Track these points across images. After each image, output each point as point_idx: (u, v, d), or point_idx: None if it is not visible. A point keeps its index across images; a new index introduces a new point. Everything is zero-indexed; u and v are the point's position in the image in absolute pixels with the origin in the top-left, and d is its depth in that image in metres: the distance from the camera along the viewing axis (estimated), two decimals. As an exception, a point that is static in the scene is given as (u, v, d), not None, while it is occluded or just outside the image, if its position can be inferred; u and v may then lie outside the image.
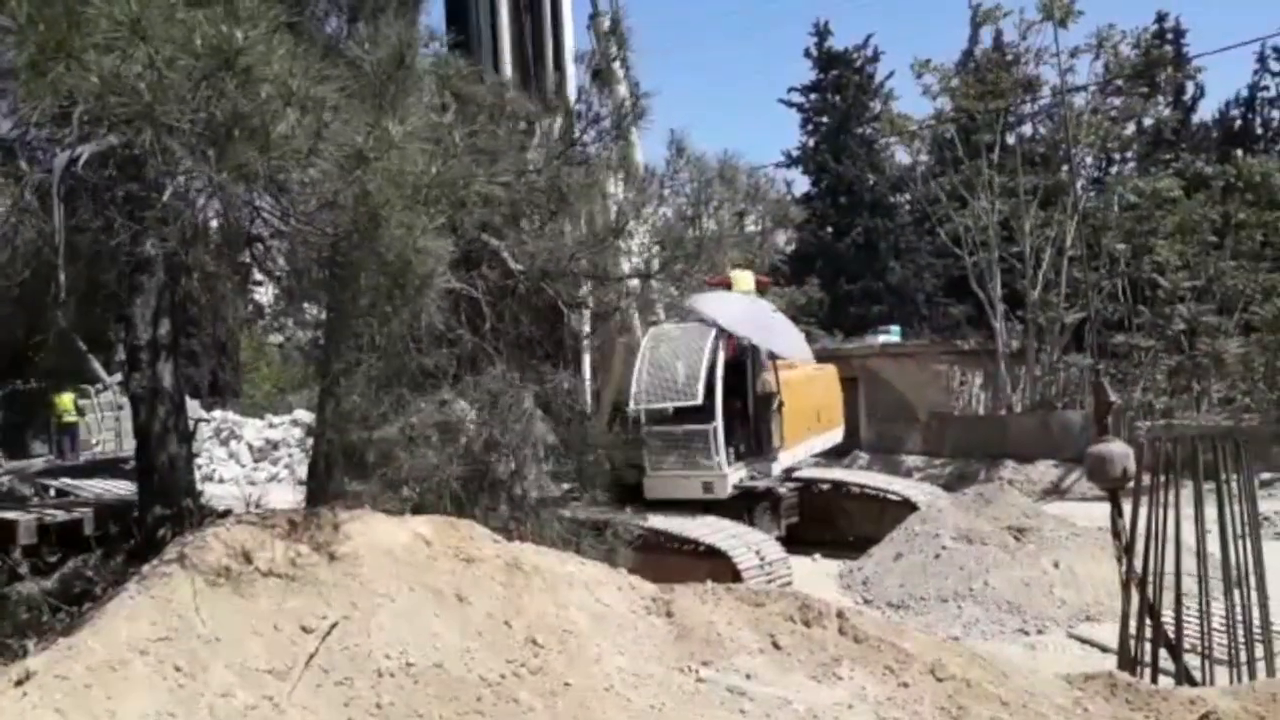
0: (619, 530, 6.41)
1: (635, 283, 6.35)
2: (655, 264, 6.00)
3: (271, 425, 27.53)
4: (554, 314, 6.52)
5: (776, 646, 4.55)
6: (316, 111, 4.19)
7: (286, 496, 9.71)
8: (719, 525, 11.61)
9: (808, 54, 38.35)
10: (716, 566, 10.51)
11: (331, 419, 5.95)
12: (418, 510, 5.63)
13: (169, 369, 7.08)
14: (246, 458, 26.48)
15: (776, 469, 13.97)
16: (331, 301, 5.81)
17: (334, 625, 4.24)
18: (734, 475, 12.66)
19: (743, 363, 13.78)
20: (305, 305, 6.40)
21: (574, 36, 10.53)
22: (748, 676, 4.30)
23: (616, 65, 6.81)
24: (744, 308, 13.33)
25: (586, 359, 11.23)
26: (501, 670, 4.20)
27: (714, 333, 12.29)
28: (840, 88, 37.75)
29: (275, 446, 26.50)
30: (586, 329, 9.28)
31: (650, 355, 12.29)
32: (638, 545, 9.24)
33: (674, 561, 10.24)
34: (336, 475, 6.03)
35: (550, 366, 6.41)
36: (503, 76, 10.18)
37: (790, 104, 39.08)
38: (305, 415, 20.97)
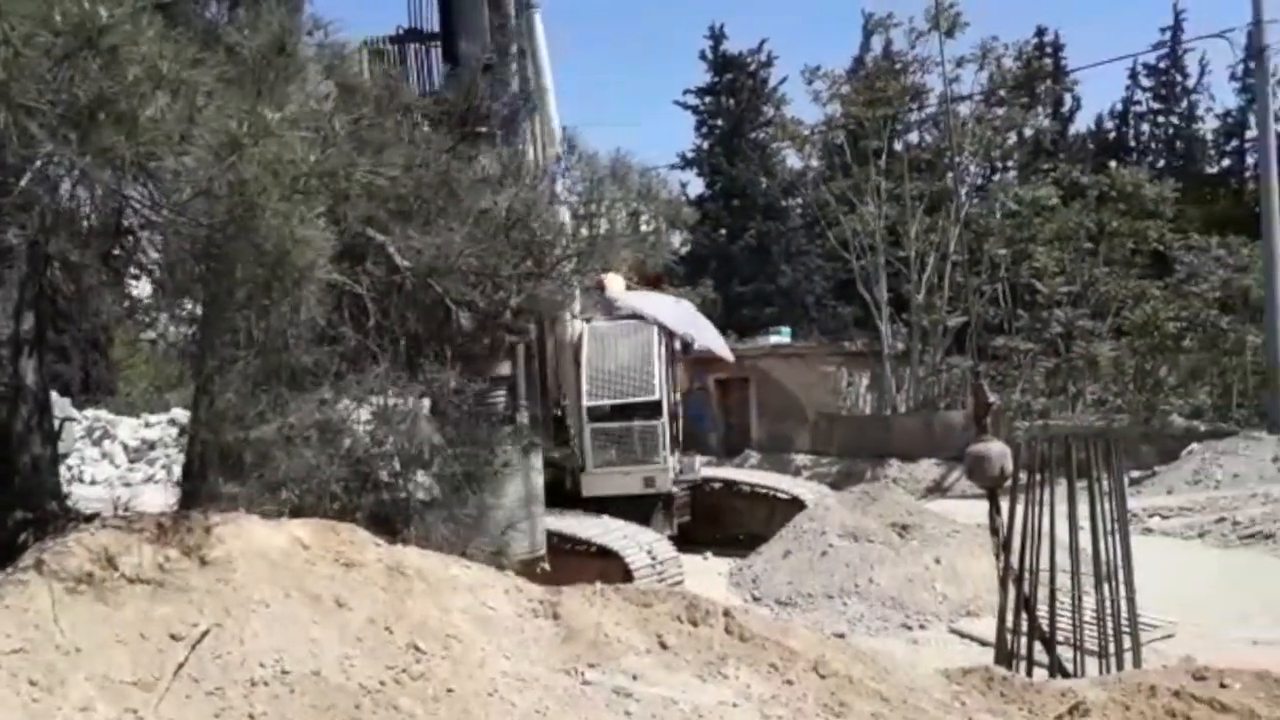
0: (505, 533, 6.30)
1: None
2: (545, 263, 5.93)
3: (148, 425, 26.50)
4: (445, 311, 6.38)
5: (664, 646, 4.53)
6: (189, 96, 4.00)
7: (162, 499, 9.34)
8: (611, 525, 11.61)
9: (703, 56, 38.71)
10: (608, 567, 10.51)
11: (206, 418, 5.72)
12: (297, 513, 5.44)
13: (32, 365, 6.70)
14: (121, 458, 25.42)
15: (699, 464, 14.28)
16: (207, 295, 5.58)
17: (205, 633, 4.06)
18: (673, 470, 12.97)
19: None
20: (180, 299, 6.12)
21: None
22: (634, 677, 4.26)
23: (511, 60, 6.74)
24: (672, 307, 13.70)
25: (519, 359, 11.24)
26: (382, 677, 4.07)
27: (656, 330, 12.59)
28: (734, 91, 38.23)
29: (152, 447, 25.51)
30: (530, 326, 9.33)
31: (599, 352, 12.38)
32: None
33: (565, 562, 10.19)
34: (211, 477, 5.79)
35: (439, 365, 6.26)
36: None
37: (685, 106, 39.40)
38: (183, 414, 20.24)
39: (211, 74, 4.21)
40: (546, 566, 9.46)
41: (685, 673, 4.35)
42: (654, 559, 11.10)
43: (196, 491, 5.92)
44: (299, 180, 4.39)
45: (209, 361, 5.58)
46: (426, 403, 6.27)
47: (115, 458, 25.45)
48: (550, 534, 11.03)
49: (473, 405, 9.25)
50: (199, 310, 5.89)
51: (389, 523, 5.96)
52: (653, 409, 12.54)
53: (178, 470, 7.00)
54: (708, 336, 14.97)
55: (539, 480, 9.33)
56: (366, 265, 5.61)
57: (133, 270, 6.45)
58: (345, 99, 5.76)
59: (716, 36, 38.41)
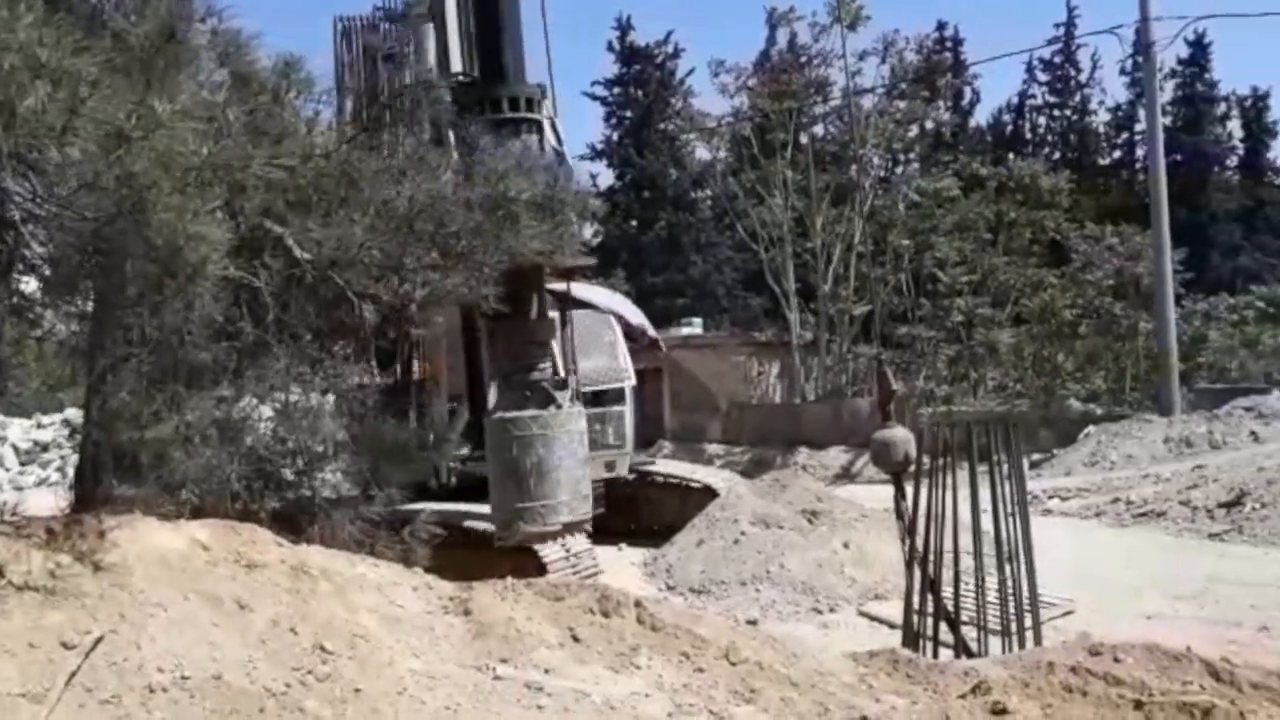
0: (417, 529, 6.21)
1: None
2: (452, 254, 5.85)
3: (40, 425, 25.47)
4: (348, 305, 6.25)
5: (576, 639, 4.52)
6: (71, 85, 3.84)
7: (54, 502, 8.99)
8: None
9: (610, 48, 38.68)
10: (522, 561, 10.42)
11: (99, 418, 5.52)
12: (197, 514, 5.29)
13: (-91, 366, 6.39)
14: (12, 460, 24.39)
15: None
16: (97, 292, 5.38)
17: (99, 640, 3.92)
18: None
19: None
20: (68, 296, 5.89)
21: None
22: (546, 671, 4.25)
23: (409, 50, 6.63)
24: (609, 296, 14.01)
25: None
26: (287, 679, 3.99)
27: (612, 318, 12.81)
28: (642, 83, 38.27)
29: (45, 448, 24.54)
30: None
31: (574, 341, 12.55)
32: (440, 542, 9.06)
33: (478, 558, 10.09)
34: (105, 479, 5.59)
35: (343, 360, 6.15)
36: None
37: (594, 97, 39.34)
38: (77, 414, 19.54)
39: (96, 62, 4.05)
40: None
41: (597, 665, 4.35)
42: (568, 552, 11.04)
43: (90, 494, 5.72)
44: (191, 173, 4.26)
45: (100, 360, 5.39)
46: (331, 398, 6.15)
47: (5, 460, 24.43)
48: (463, 529, 10.95)
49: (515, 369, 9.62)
50: (89, 307, 5.69)
51: (294, 522, 5.84)
52: (619, 395, 12.77)
53: (72, 472, 6.75)
54: (647, 325, 15.47)
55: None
56: (265, 258, 5.46)
57: (17, 266, 6.20)
58: (240, 88, 5.60)
59: (624, 28, 38.44)
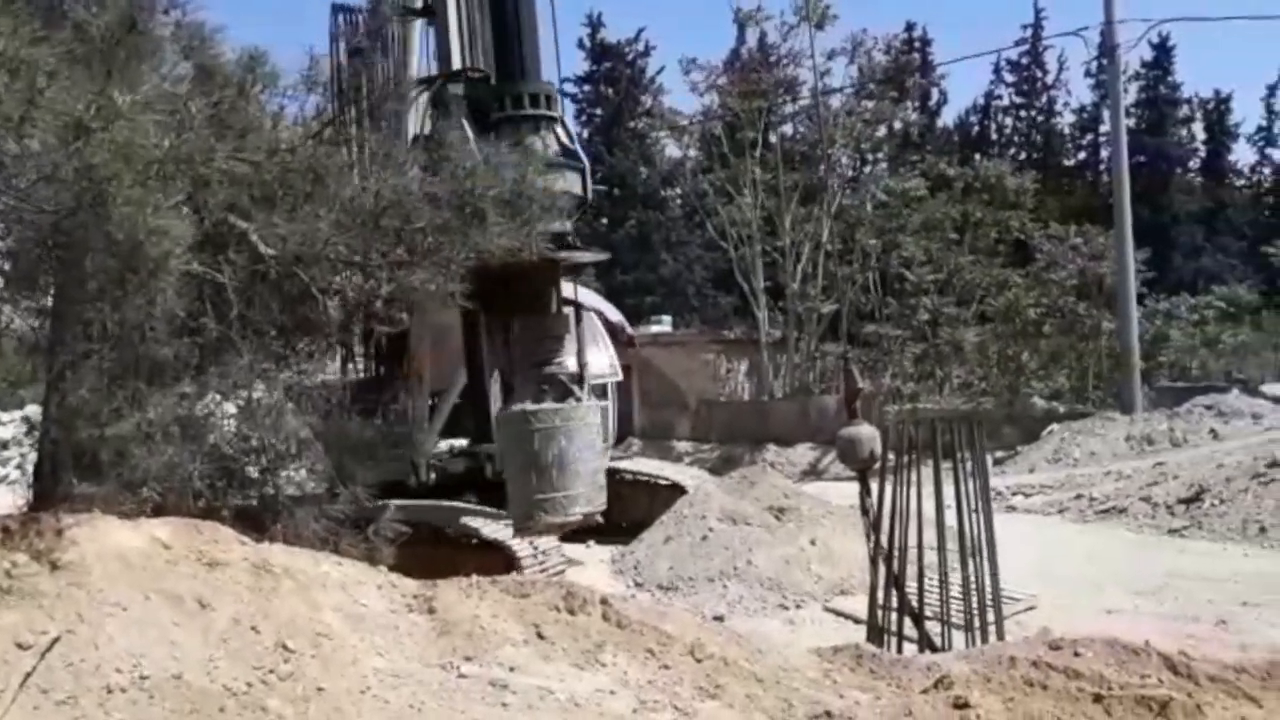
0: (381, 527, 6.18)
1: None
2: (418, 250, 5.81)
3: (0, 422, 25.11)
4: (313, 301, 6.20)
5: (541, 637, 4.52)
6: (29, 75, 3.78)
7: (13, 500, 8.87)
8: (492, 516, 11.49)
9: (581, 45, 38.60)
10: (491, 558, 10.39)
11: (58, 415, 5.45)
12: (159, 512, 5.23)
13: None
14: (-30, 459, 24.03)
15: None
16: (56, 286, 5.31)
17: (55, 640, 3.87)
18: None
19: None
20: (27, 290, 5.80)
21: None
22: (511, 669, 4.24)
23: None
24: (588, 293, 14.19)
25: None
26: (248, 678, 3.95)
27: (594, 315, 12.93)
28: (613, 80, 38.21)
29: (4, 445, 24.09)
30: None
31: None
32: (406, 540, 9.01)
33: (447, 555, 10.06)
34: (65, 477, 5.52)
35: (307, 358, 6.10)
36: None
37: (564, 94, 39.13)
38: (38, 411, 19.18)
39: (55, 53, 3.99)
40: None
41: (562, 662, 4.35)
42: (536, 549, 11.03)
43: (50, 492, 5.65)
44: (153, 166, 4.21)
45: (60, 356, 5.31)
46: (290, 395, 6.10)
47: (-36, 459, 24.04)
48: (430, 526, 10.90)
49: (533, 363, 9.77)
50: (49, 302, 5.61)
51: (258, 520, 5.79)
52: (604, 390, 12.83)
53: (31, 470, 6.66)
54: (626, 324, 15.66)
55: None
56: (229, 254, 5.41)
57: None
58: (204, 81, 5.54)
59: (594, 25, 38.39)
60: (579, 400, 10.03)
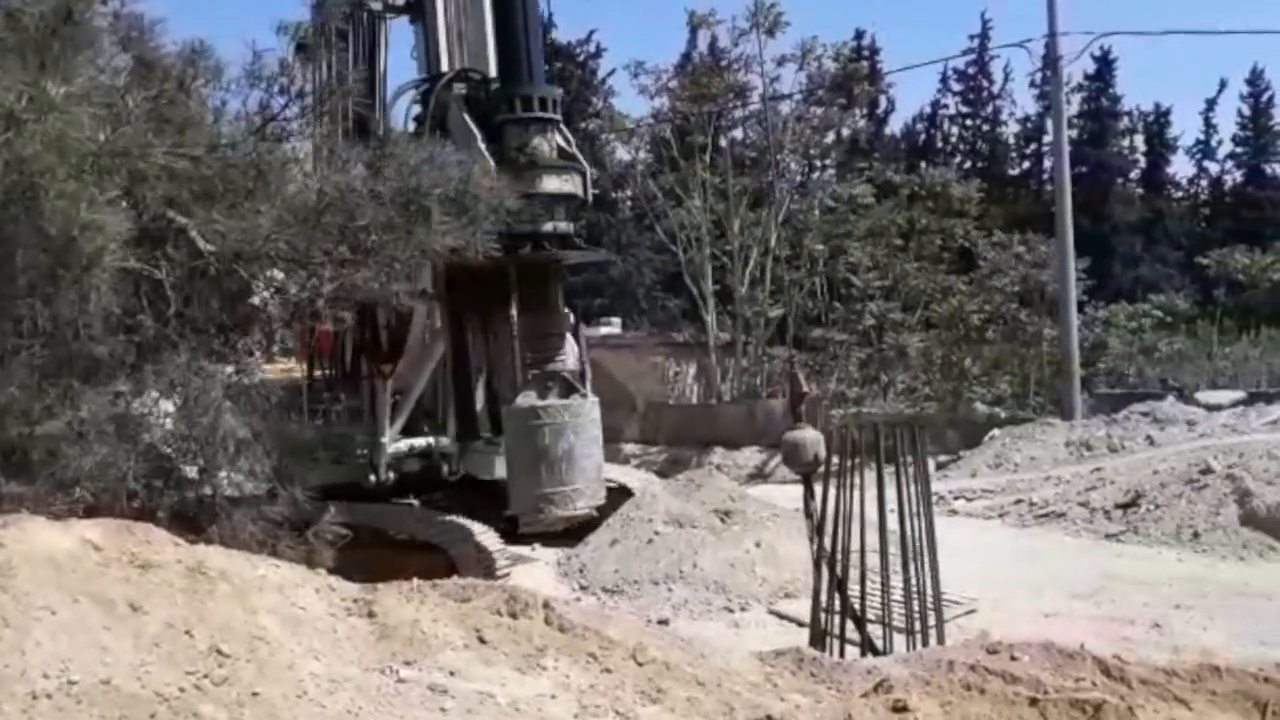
0: (322, 530, 6.10)
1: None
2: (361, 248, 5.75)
3: (-71, 421, 24.43)
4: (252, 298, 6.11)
5: (482, 641, 4.48)
6: (-42, 64, 3.68)
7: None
8: (435, 518, 11.41)
9: (532, 45, 38.34)
10: (433, 561, 10.32)
11: (-13, 413, 5.30)
12: (92, 512, 5.12)
13: None
14: (-103, 458, 23.34)
15: None
16: (-14, 281, 5.16)
17: (-21, 645, 3.76)
18: None
19: None
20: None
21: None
22: (451, 673, 4.20)
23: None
24: None
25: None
26: (181, 683, 3.86)
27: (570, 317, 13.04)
28: (563, 81, 38.05)
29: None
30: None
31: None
32: (349, 542, 8.91)
33: (388, 557, 9.96)
34: (-7, 477, 5.37)
35: (248, 355, 5.99)
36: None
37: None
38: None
39: (-14, 41, 3.89)
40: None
41: (504, 666, 4.32)
42: (480, 552, 10.97)
43: (-23, 493, 5.49)
44: (88, 159, 4.11)
45: (-11, 353, 5.17)
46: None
47: (-110, 457, 23.34)
48: (371, 529, 10.79)
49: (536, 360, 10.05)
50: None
51: (195, 522, 5.68)
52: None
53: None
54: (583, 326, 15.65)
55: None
56: (167, 249, 5.31)
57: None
58: (143, 74, 5.43)
59: (545, 25, 38.23)
60: (584, 397, 10.02)
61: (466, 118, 9.93)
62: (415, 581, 5.00)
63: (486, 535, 11.42)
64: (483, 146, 9.41)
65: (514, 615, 4.65)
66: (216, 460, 5.64)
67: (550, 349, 10.18)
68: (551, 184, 10.02)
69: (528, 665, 4.32)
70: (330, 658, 4.23)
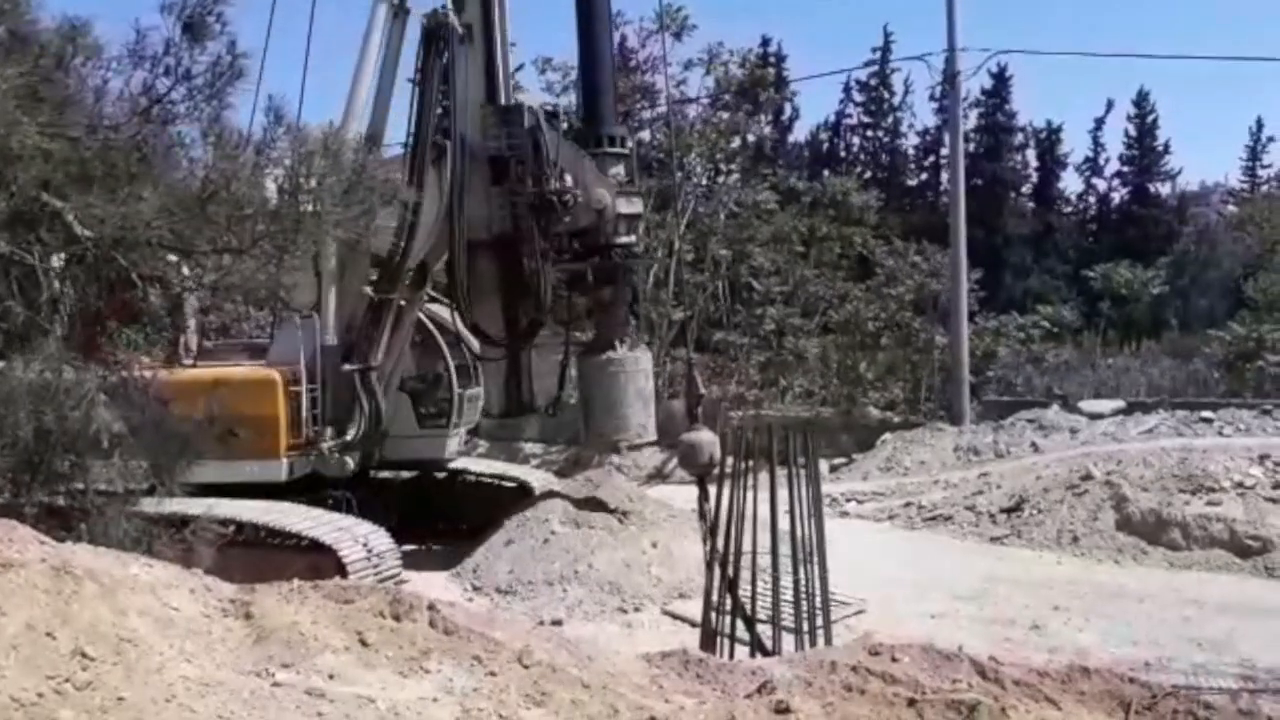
0: (200, 528, 5.89)
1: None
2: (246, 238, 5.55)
3: None
4: (133, 287, 5.87)
5: (364, 644, 4.37)
6: None
7: None
8: (324, 517, 11.15)
9: (438, 39, 37.83)
10: (320, 561, 10.09)
11: None
12: (-50, 509, 4.86)
13: None
14: None
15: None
16: None
17: None
18: None
19: None
20: None
21: None
22: (330, 677, 4.09)
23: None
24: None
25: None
26: (40, 688, 3.68)
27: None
28: (471, 76, 37.58)
29: None
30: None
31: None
32: (232, 541, 8.66)
33: (272, 557, 9.71)
34: None
35: (125, 346, 5.76)
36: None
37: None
38: None
39: None
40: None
41: (385, 670, 4.22)
42: (370, 552, 10.75)
43: None
44: (-51, 135, 3.89)
45: None
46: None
47: None
48: (256, 527, 10.51)
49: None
50: None
51: (65, 518, 5.44)
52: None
53: None
54: None
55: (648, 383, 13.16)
56: (40, 234, 5.07)
57: None
58: (17, 49, 5.17)
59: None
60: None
61: (575, 145, 12.55)
62: (296, 582, 4.86)
63: (377, 535, 11.22)
64: (589, 163, 12.28)
65: (397, 617, 4.55)
66: (88, 454, 5.40)
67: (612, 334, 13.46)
68: (625, 206, 12.80)
69: (410, 668, 4.24)
70: (203, 660, 4.09)
